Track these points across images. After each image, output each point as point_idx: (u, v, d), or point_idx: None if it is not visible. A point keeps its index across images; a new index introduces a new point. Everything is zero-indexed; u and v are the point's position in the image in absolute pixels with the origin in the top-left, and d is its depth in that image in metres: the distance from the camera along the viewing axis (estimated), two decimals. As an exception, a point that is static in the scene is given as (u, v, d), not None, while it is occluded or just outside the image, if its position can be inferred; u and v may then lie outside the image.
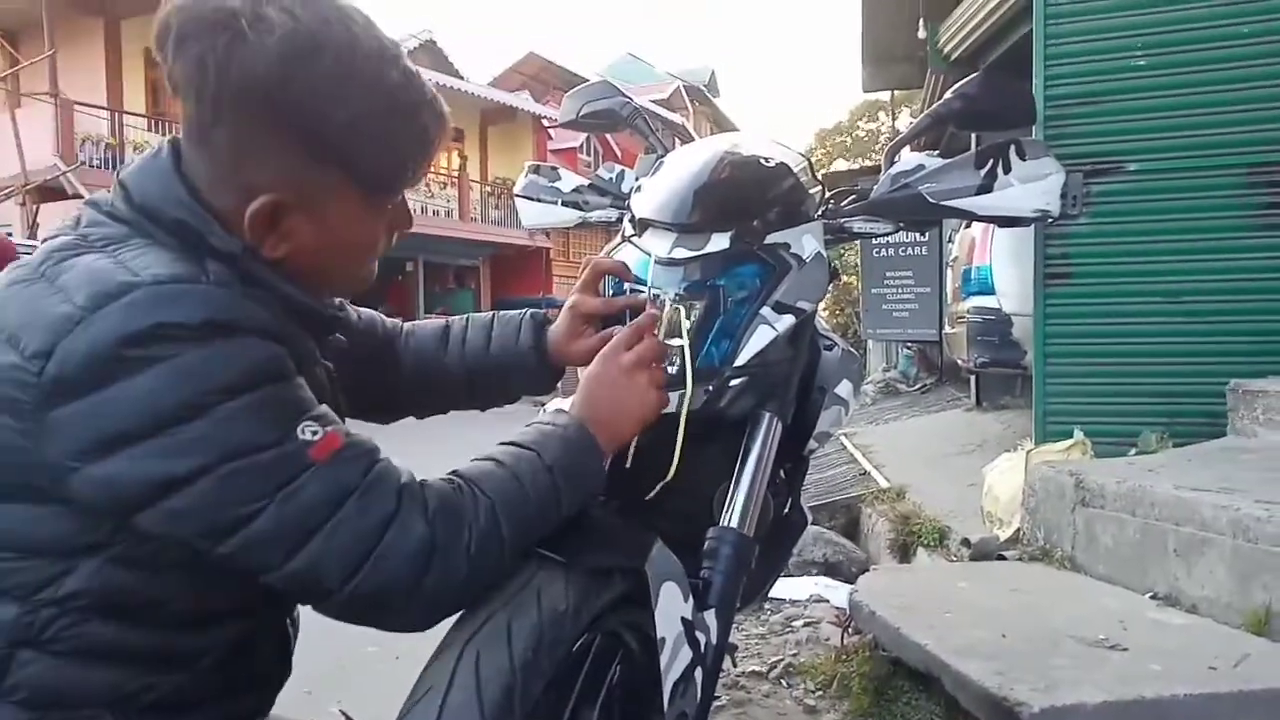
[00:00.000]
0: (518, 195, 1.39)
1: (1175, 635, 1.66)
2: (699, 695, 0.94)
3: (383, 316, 1.18)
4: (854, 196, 1.19)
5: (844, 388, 1.24)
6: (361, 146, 0.80)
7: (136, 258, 0.73)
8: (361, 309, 1.15)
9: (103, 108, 13.60)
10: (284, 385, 0.75)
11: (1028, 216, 1.10)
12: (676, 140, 1.35)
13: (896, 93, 11.97)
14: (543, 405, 1.21)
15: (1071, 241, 3.06)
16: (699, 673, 0.93)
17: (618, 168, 1.37)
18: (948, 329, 5.92)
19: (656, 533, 0.94)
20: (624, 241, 1.13)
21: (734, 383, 1.03)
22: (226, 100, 0.75)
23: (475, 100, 18.49)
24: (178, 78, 0.77)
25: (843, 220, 1.16)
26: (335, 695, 1.97)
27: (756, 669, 2.08)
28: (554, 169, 1.39)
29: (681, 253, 1.04)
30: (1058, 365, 3.09)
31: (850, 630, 2.08)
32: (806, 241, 1.07)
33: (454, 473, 0.84)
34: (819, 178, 1.19)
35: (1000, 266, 4.35)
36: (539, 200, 1.37)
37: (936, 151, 1.17)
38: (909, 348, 9.53)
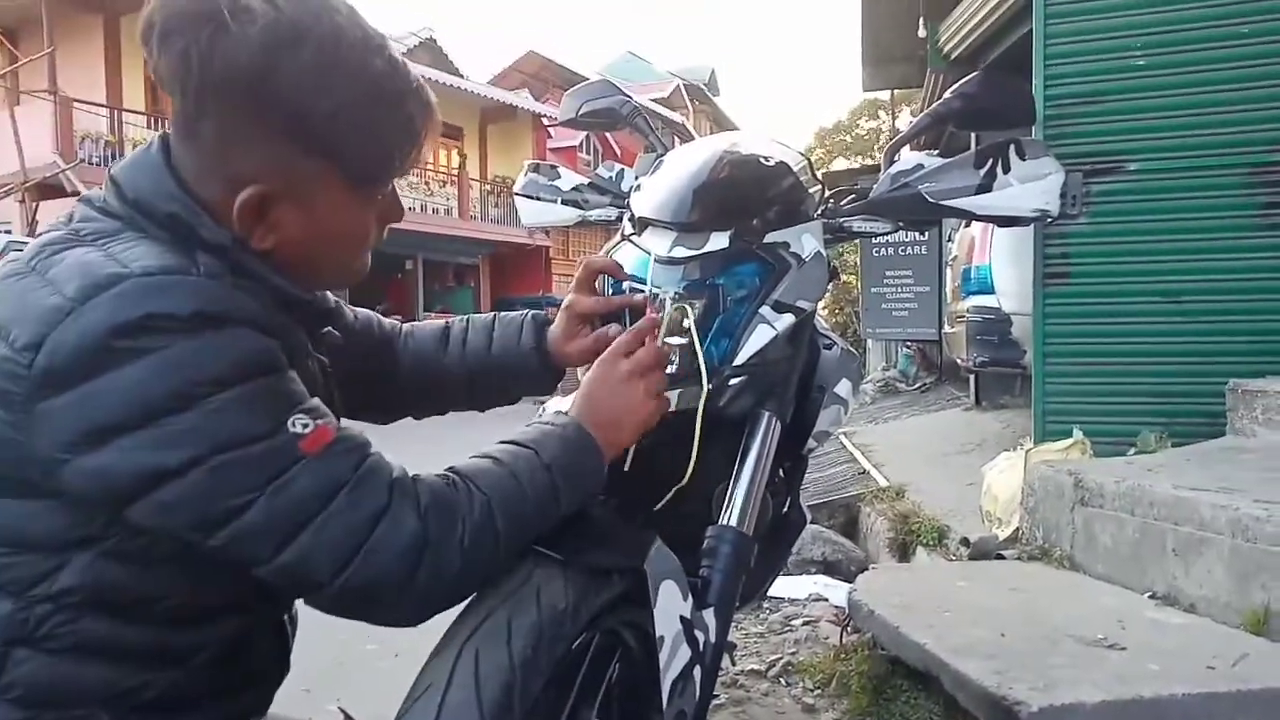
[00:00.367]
0: (517, 194, 1.39)
1: (1174, 635, 1.66)
2: (698, 694, 0.94)
3: (380, 316, 1.18)
4: (853, 196, 1.19)
5: (843, 387, 1.24)
6: (347, 136, 0.80)
7: (126, 250, 0.74)
8: (359, 309, 1.15)
9: (102, 105, 13.61)
10: (275, 378, 0.75)
11: (1027, 216, 1.10)
12: (676, 139, 1.34)
13: (896, 92, 11.96)
14: (542, 405, 1.21)
15: (1071, 241, 3.06)
16: (698, 671, 0.93)
17: (617, 166, 1.37)
18: (947, 328, 5.92)
19: (655, 531, 0.95)
20: (623, 240, 1.13)
21: (733, 382, 1.03)
22: (211, 92, 0.76)
23: (475, 98, 18.49)
24: (163, 72, 0.77)
25: (842, 219, 1.16)
26: (334, 693, 1.97)
27: (755, 667, 2.08)
28: (553, 167, 1.39)
29: (681, 251, 1.04)
30: (1057, 365, 3.09)
31: (849, 629, 2.08)
32: (806, 240, 1.07)
33: (450, 469, 0.83)
34: (818, 177, 1.19)
35: (1000, 266, 4.35)
36: (538, 199, 1.37)
37: (936, 151, 1.17)
38: (908, 347, 9.53)
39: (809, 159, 1.19)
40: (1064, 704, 1.34)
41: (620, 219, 1.24)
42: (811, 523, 2.66)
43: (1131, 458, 2.65)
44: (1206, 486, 1.90)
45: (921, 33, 5.95)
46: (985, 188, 1.08)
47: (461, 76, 19.64)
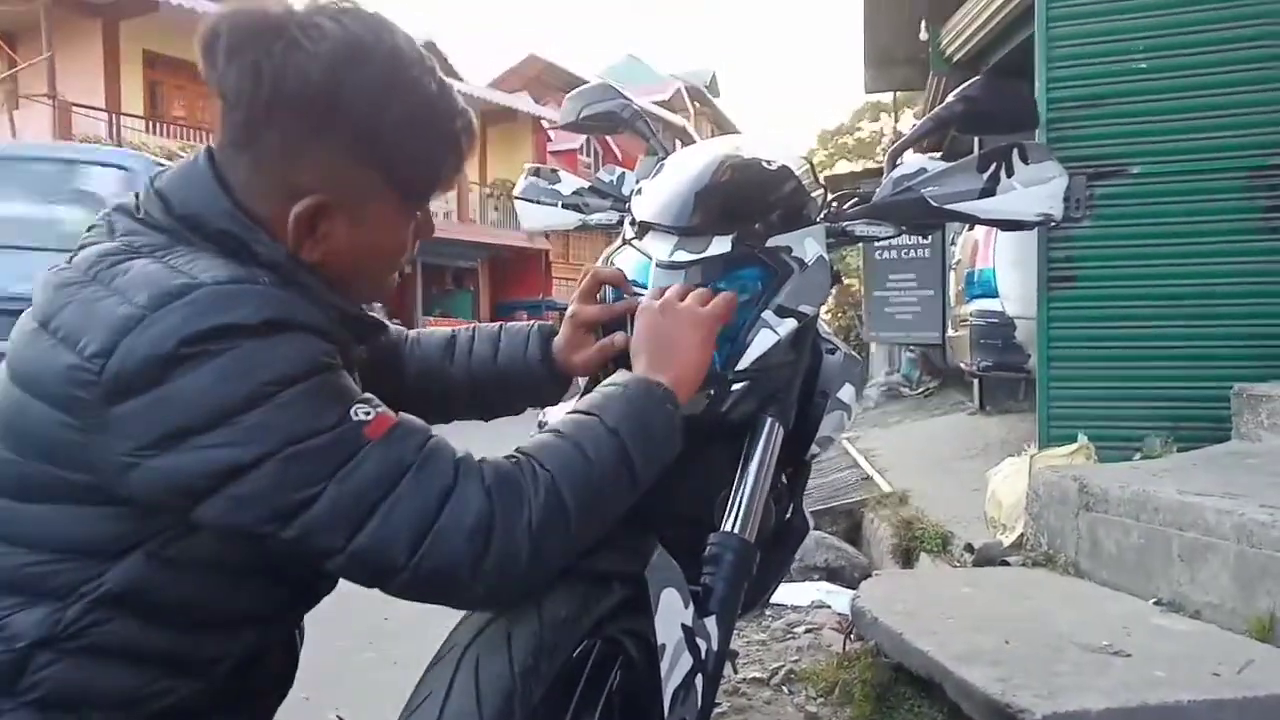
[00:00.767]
0: (517, 197, 1.39)
1: (1179, 641, 1.65)
2: (700, 702, 0.93)
3: (386, 321, 1.18)
4: (856, 199, 1.19)
5: (846, 392, 1.23)
6: (401, 151, 0.84)
7: (190, 263, 0.76)
8: None
9: (100, 109, 13.62)
10: (336, 373, 0.77)
11: (1030, 220, 1.09)
12: (677, 142, 1.34)
13: (899, 94, 11.96)
14: (543, 413, 1.21)
15: (1075, 245, 3.06)
16: (699, 679, 0.93)
17: (618, 170, 1.36)
18: (951, 332, 5.92)
19: (657, 538, 0.94)
20: (624, 244, 1.13)
21: (735, 387, 1.03)
22: (280, 104, 0.78)
23: (475, 102, 18.47)
24: (228, 83, 0.79)
25: (845, 223, 1.16)
26: (333, 701, 1.96)
27: (758, 675, 2.07)
28: (554, 171, 1.39)
29: (682, 256, 1.04)
30: (1061, 369, 3.09)
31: (852, 636, 2.07)
32: (808, 245, 1.07)
33: (516, 449, 0.83)
34: (821, 180, 1.18)
35: (1003, 270, 4.34)
36: (539, 202, 1.36)
37: (939, 155, 1.16)
38: (912, 351, 9.52)
39: (811, 162, 1.19)
40: (1069, 711, 1.33)
41: (621, 223, 1.23)
42: (814, 529, 2.65)
43: (1136, 463, 2.65)
44: (1212, 492, 1.89)
45: (923, 35, 5.96)
46: (989, 192, 1.07)
47: (461, 80, 19.69)
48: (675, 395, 0.90)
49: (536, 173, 1.39)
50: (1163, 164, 2.97)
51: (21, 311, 0.81)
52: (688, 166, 1.10)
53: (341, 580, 0.92)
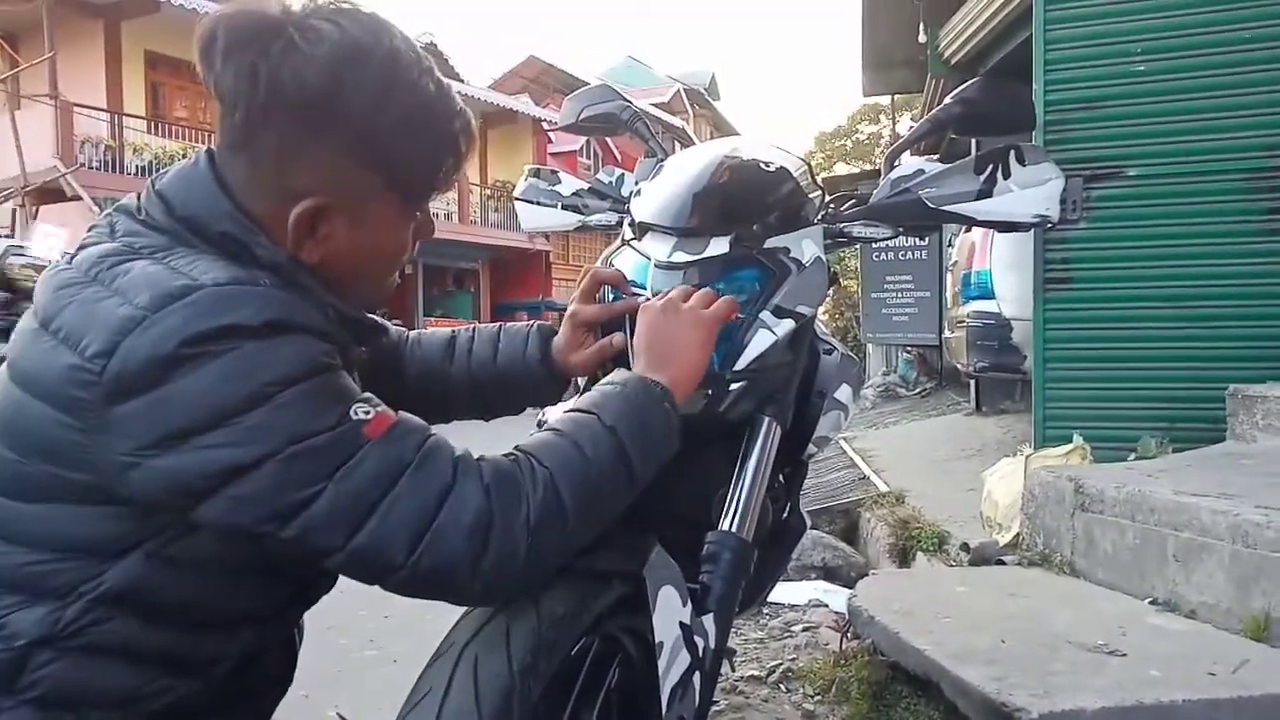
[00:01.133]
0: (517, 198, 1.39)
1: (1174, 641, 1.65)
2: (697, 700, 0.93)
3: (386, 323, 1.18)
4: (854, 201, 1.19)
5: (843, 392, 1.24)
6: (400, 152, 0.83)
7: (191, 265, 0.76)
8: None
9: (102, 110, 13.62)
10: (336, 374, 0.78)
11: (1027, 221, 1.10)
12: (676, 144, 1.34)
13: (897, 97, 11.98)
14: (543, 413, 1.21)
15: (1072, 246, 3.07)
16: (697, 677, 0.93)
17: (617, 171, 1.37)
18: (947, 333, 5.93)
19: (655, 536, 0.94)
20: (624, 245, 1.13)
21: (733, 387, 1.03)
22: (277, 107, 0.78)
23: (475, 103, 18.51)
24: (225, 85, 0.79)
25: (842, 224, 1.16)
26: (333, 699, 1.97)
27: (755, 674, 2.07)
28: (554, 172, 1.39)
29: (681, 256, 1.04)
30: (1057, 370, 3.09)
31: (849, 635, 2.08)
32: (806, 246, 1.07)
33: (515, 447, 0.84)
34: (818, 182, 1.19)
35: (1000, 271, 4.35)
36: (539, 203, 1.37)
37: (936, 156, 1.17)
38: (909, 352, 9.54)
39: (809, 164, 1.19)
40: (1064, 710, 1.34)
41: (620, 224, 1.24)
42: (811, 528, 2.66)
43: (1132, 463, 2.65)
44: (1207, 492, 1.90)
45: (922, 38, 5.97)
46: (985, 193, 1.08)
47: (462, 81, 19.74)
48: (673, 394, 0.90)
49: (536, 174, 1.39)
50: (1160, 166, 2.98)
51: None
52: (686, 168, 1.11)
53: (341, 579, 0.92)
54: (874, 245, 7.31)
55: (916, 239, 7.26)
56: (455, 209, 18.84)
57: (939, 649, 1.61)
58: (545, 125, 20.48)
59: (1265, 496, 1.82)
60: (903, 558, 3.03)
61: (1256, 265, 2.90)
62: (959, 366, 5.44)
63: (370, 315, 0.97)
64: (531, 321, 1.18)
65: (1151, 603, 1.88)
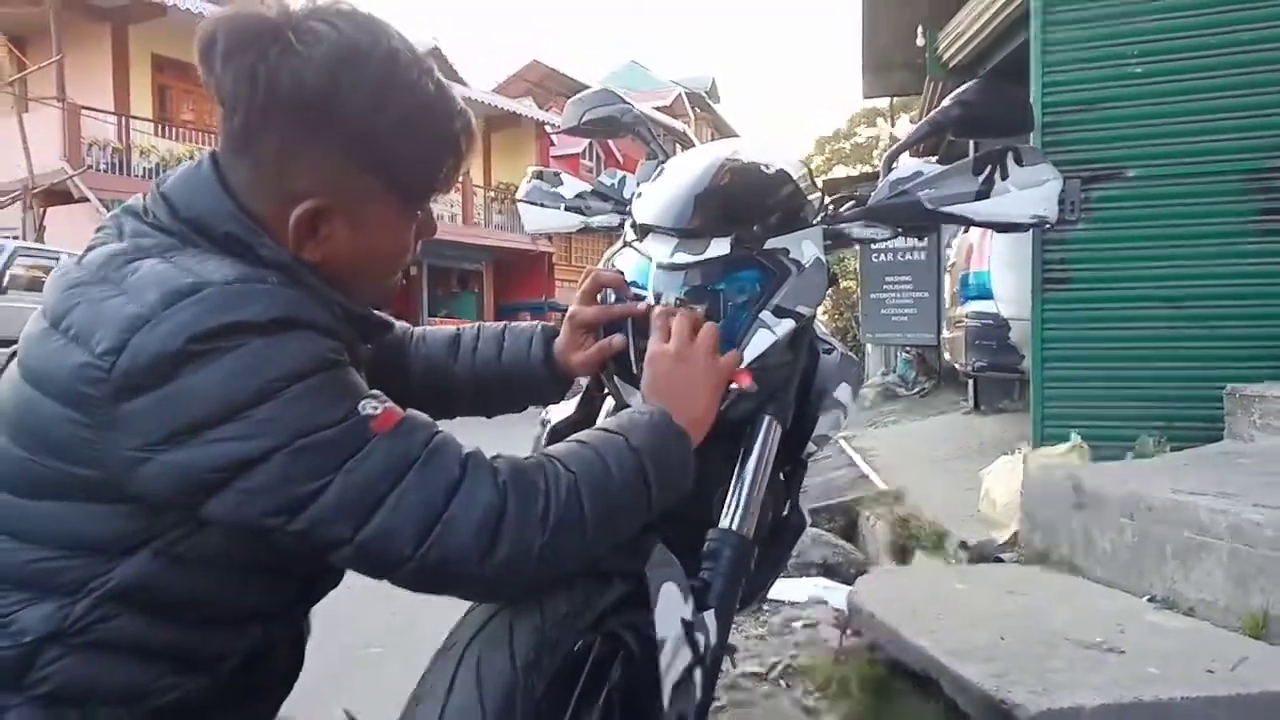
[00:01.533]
0: (520, 200, 1.40)
1: (1172, 638, 1.66)
2: (698, 696, 0.94)
3: (391, 320, 1.19)
4: (853, 202, 1.20)
5: (843, 391, 1.24)
6: (400, 152, 0.84)
7: (199, 263, 0.77)
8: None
9: (109, 112, 13.63)
10: (344, 370, 0.78)
11: (1025, 222, 1.11)
12: (678, 146, 1.35)
13: (895, 99, 11.98)
14: (545, 411, 1.22)
15: (1070, 247, 3.07)
16: (698, 674, 0.94)
17: (619, 173, 1.37)
18: (946, 333, 5.93)
19: (656, 534, 0.95)
20: (625, 246, 1.14)
21: (734, 386, 1.04)
22: (275, 109, 0.78)
23: (479, 107, 18.51)
24: (226, 88, 0.79)
25: (842, 225, 1.17)
26: (338, 695, 1.96)
27: (755, 670, 2.08)
28: (556, 174, 1.40)
29: (682, 258, 1.05)
30: (1055, 369, 3.10)
31: (849, 632, 2.08)
32: (806, 247, 1.08)
33: (541, 452, 0.85)
34: (818, 184, 1.19)
35: (998, 271, 4.36)
36: (541, 205, 1.37)
37: (935, 158, 1.18)
38: (908, 352, 9.53)
39: (808, 166, 1.20)
40: (1063, 707, 1.34)
41: (622, 225, 1.24)
42: (811, 526, 2.67)
43: (1130, 462, 2.66)
44: (1205, 491, 1.91)
45: (920, 41, 5.97)
46: (984, 194, 1.09)
47: (465, 85, 19.74)
48: (689, 438, 0.92)
49: (539, 176, 1.40)
50: (1158, 167, 2.99)
51: None
52: (688, 170, 1.12)
53: (347, 576, 0.93)
54: (873, 246, 7.31)
55: (915, 240, 7.26)
56: (459, 211, 18.86)
57: (938, 646, 1.62)
58: (548, 128, 20.48)
59: (1263, 495, 1.83)
60: (902, 555, 3.03)
61: (1253, 265, 2.91)
62: (957, 366, 5.45)
63: (375, 312, 0.97)
64: (536, 322, 1.19)
65: (1150, 600, 1.88)
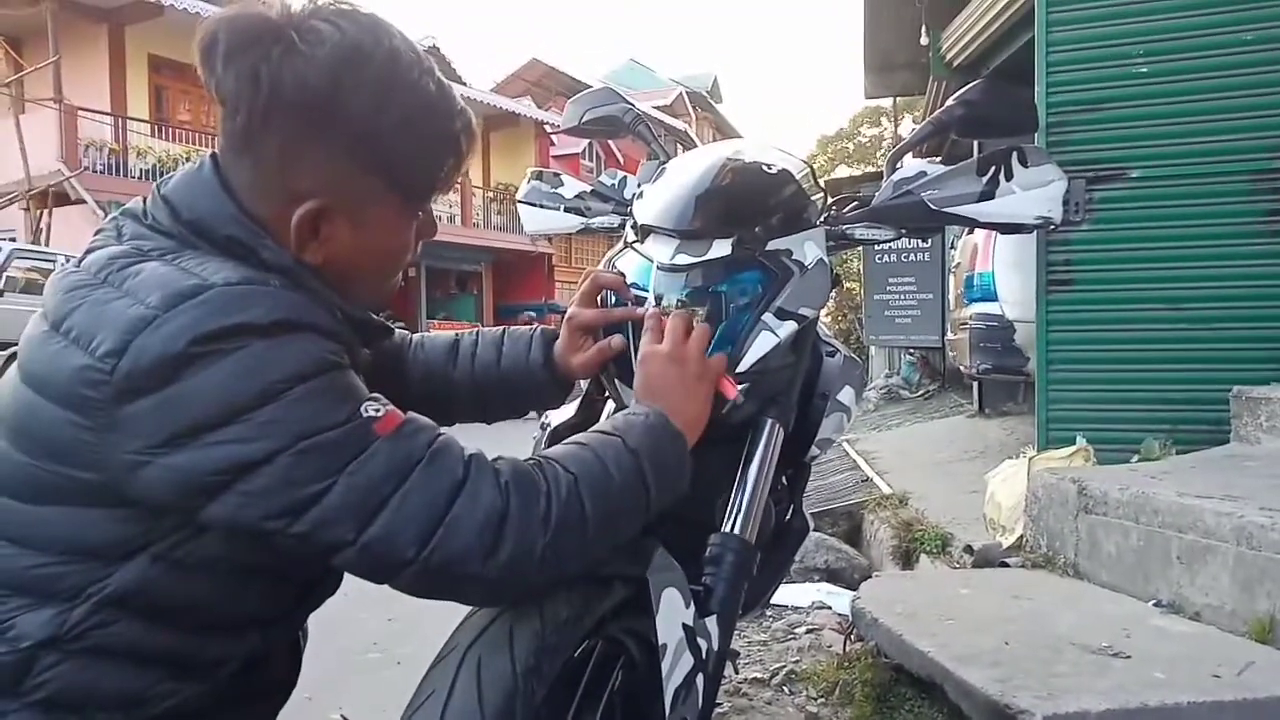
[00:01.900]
0: (520, 201, 1.39)
1: (1178, 643, 1.65)
2: (700, 702, 0.93)
3: (392, 325, 1.19)
4: (856, 203, 1.19)
5: (846, 394, 1.23)
6: (401, 152, 0.84)
7: (201, 266, 0.76)
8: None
9: (106, 113, 13.68)
10: (346, 372, 0.78)
11: (1030, 223, 1.10)
12: (679, 146, 1.34)
13: (899, 99, 11.98)
14: (545, 415, 1.21)
15: (1074, 248, 3.06)
16: (700, 679, 0.93)
17: (620, 174, 1.37)
18: (950, 335, 5.92)
19: (658, 538, 0.94)
20: (626, 247, 1.13)
21: (727, 401, 1.03)
22: (278, 109, 0.78)
23: (478, 106, 18.53)
24: (227, 88, 0.79)
25: (845, 226, 1.16)
26: (337, 700, 1.97)
27: (758, 676, 2.07)
28: (556, 175, 1.39)
29: (684, 259, 1.04)
30: (1060, 371, 3.09)
31: (852, 637, 2.07)
32: (808, 248, 1.07)
33: (540, 455, 0.85)
34: (821, 184, 1.19)
35: (1003, 273, 4.35)
36: (541, 206, 1.37)
37: (938, 158, 1.17)
38: (911, 354, 9.53)
39: (811, 166, 1.19)
40: (1068, 713, 1.33)
41: (623, 226, 1.24)
42: (814, 530, 2.66)
43: (1135, 465, 2.65)
44: (1211, 494, 1.90)
45: (924, 40, 5.97)
46: (988, 195, 1.08)
47: (464, 84, 19.77)
48: (685, 438, 0.92)
49: (539, 176, 1.39)
50: (1163, 168, 2.97)
51: None
52: (689, 170, 1.11)
53: (346, 581, 0.92)
54: (876, 247, 7.32)
55: (919, 241, 7.26)
56: (458, 212, 18.90)
57: (942, 651, 1.61)
58: (548, 128, 20.52)
59: (1269, 498, 1.82)
60: (906, 560, 3.02)
61: (1259, 267, 2.89)
62: (962, 368, 5.44)
63: (376, 317, 0.97)
64: (534, 325, 1.19)
65: (1155, 605, 1.87)
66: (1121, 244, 3.02)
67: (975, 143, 3.61)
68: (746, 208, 1.07)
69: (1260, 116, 2.87)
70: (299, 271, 0.82)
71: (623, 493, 0.84)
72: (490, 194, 20.26)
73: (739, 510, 1.03)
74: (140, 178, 13.17)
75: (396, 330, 1.19)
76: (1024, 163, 1.08)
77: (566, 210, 1.35)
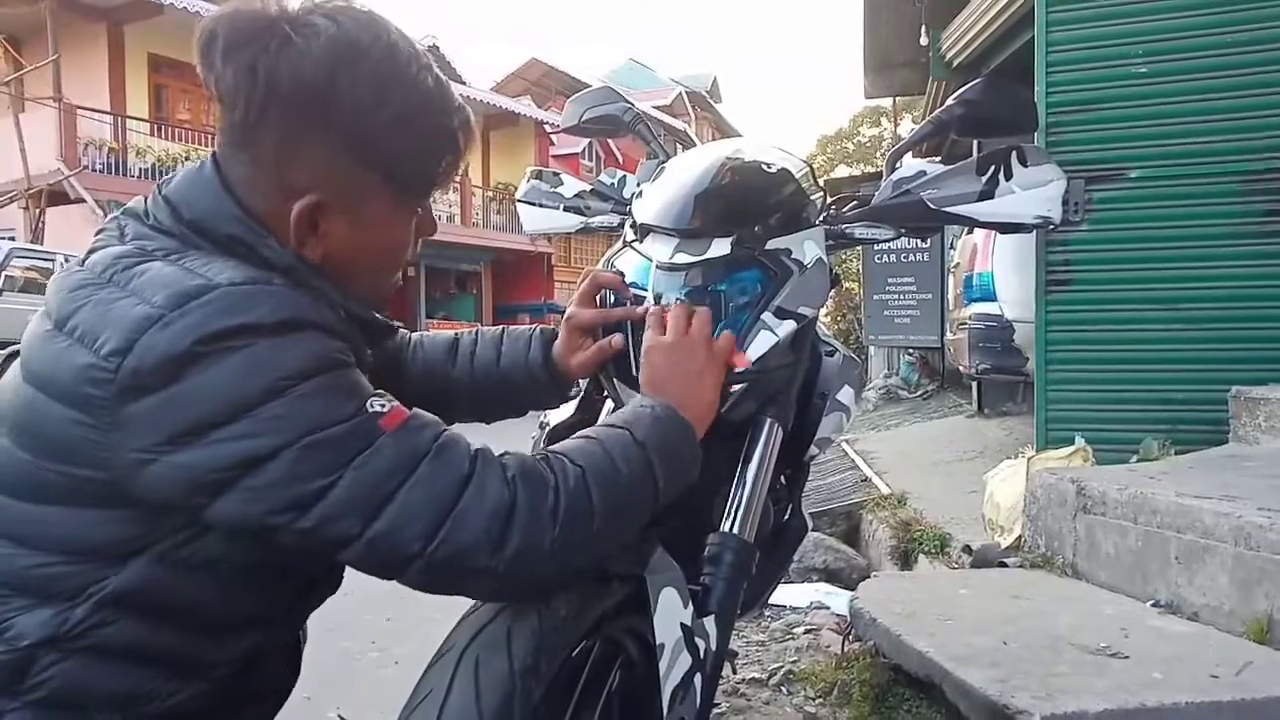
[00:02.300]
0: (520, 200, 1.39)
1: (1177, 643, 1.65)
2: (698, 702, 0.93)
3: (395, 325, 1.19)
4: (856, 202, 1.19)
5: (845, 394, 1.23)
6: (399, 148, 0.84)
7: (205, 266, 0.77)
8: None
9: (106, 112, 13.67)
10: (350, 370, 0.78)
11: (1029, 223, 1.10)
12: (678, 146, 1.34)
13: (898, 99, 11.99)
14: (544, 415, 1.21)
15: (1073, 248, 3.06)
16: (698, 679, 0.93)
17: (619, 173, 1.37)
18: (949, 335, 5.92)
19: (656, 538, 0.94)
20: (625, 247, 1.13)
21: (735, 388, 1.03)
22: (275, 104, 0.78)
23: (478, 106, 18.52)
24: (226, 84, 0.79)
25: (844, 226, 1.16)
26: (335, 700, 1.97)
27: (757, 676, 2.07)
28: (556, 174, 1.39)
29: (683, 258, 1.04)
30: (1059, 372, 3.09)
31: (851, 637, 2.07)
32: (808, 247, 1.07)
33: (547, 449, 0.85)
34: (820, 184, 1.19)
35: (1002, 273, 4.34)
36: (541, 205, 1.37)
37: (938, 158, 1.17)
38: (911, 354, 9.52)
39: (811, 166, 1.19)
40: (1067, 712, 1.33)
41: (622, 226, 1.24)
42: (813, 530, 2.66)
43: (1134, 465, 2.65)
44: (1209, 494, 1.90)
45: (924, 40, 5.98)
46: (987, 195, 1.08)
47: (464, 84, 19.76)
48: (694, 429, 0.92)
49: (539, 176, 1.39)
50: (1161, 168, 2.97)
51: None
52: (688, 169, 1.11)
53: (347, 580, 0.92)
54: (876, 247, 7.32)
55: (918, 241, 7.26)
56: (457, 211, 18.89)
57: (941, 651, 1.61)
58: (547, 127, 20.51)
59: (1268, 499, 1.82)
60: (904, 560, 3.02)
61: (1258, 267, 2.89)
62: (961, 368, 5.44)
63: (380, 317, 0.97)
64: (534, 325, 1.19)
65: (1154, 605, 1.87)
66: (1120, 244, 3.02)
67: (975, 142, 3.62)
68: (746, 207, 1.07)
69: (1259, 117, 2.87)
70: (301, 270, 0.82)
71: (631, 485, 0.84)
72: (490, 193, 20.25)
73: (737, 509, 1.02)
74: (140, 177, 13.17)
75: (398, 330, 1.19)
76: (1023, 162, 1.08)
77: (566, 209, 1.35)
